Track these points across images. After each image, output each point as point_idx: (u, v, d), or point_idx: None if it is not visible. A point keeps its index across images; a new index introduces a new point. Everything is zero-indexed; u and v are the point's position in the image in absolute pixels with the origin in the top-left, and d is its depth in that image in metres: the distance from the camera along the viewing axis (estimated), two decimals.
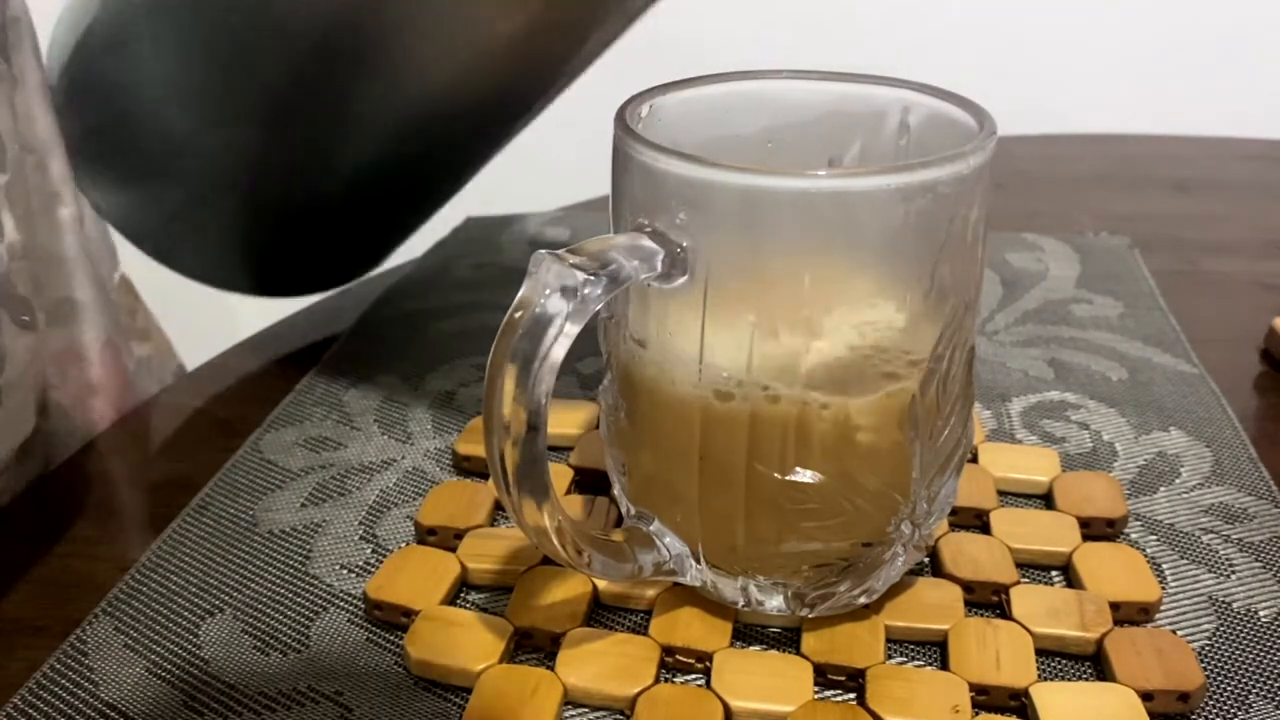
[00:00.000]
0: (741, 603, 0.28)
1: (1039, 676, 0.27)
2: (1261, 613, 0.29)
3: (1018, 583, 0.30)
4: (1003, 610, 0.29)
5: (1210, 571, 0.31)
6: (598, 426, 0.36)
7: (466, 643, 0.28)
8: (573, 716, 0.27)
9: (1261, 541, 0.32)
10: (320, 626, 0.30)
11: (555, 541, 0.25)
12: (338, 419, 0.39)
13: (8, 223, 0.35)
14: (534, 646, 0.29)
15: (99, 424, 0.43)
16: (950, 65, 0.62)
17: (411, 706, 0.27)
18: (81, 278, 0.43)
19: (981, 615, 0.29)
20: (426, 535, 0.32)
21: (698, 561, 0.28)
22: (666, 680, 0.28)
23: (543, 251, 0.23)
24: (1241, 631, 0.29)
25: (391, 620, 0.29)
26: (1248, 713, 0.26)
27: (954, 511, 0.32)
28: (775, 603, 0.28)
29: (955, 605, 0.29)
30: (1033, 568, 0.31)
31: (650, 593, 0.29)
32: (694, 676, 0.28)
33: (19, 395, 0.35)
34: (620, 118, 0.26)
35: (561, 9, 0.35)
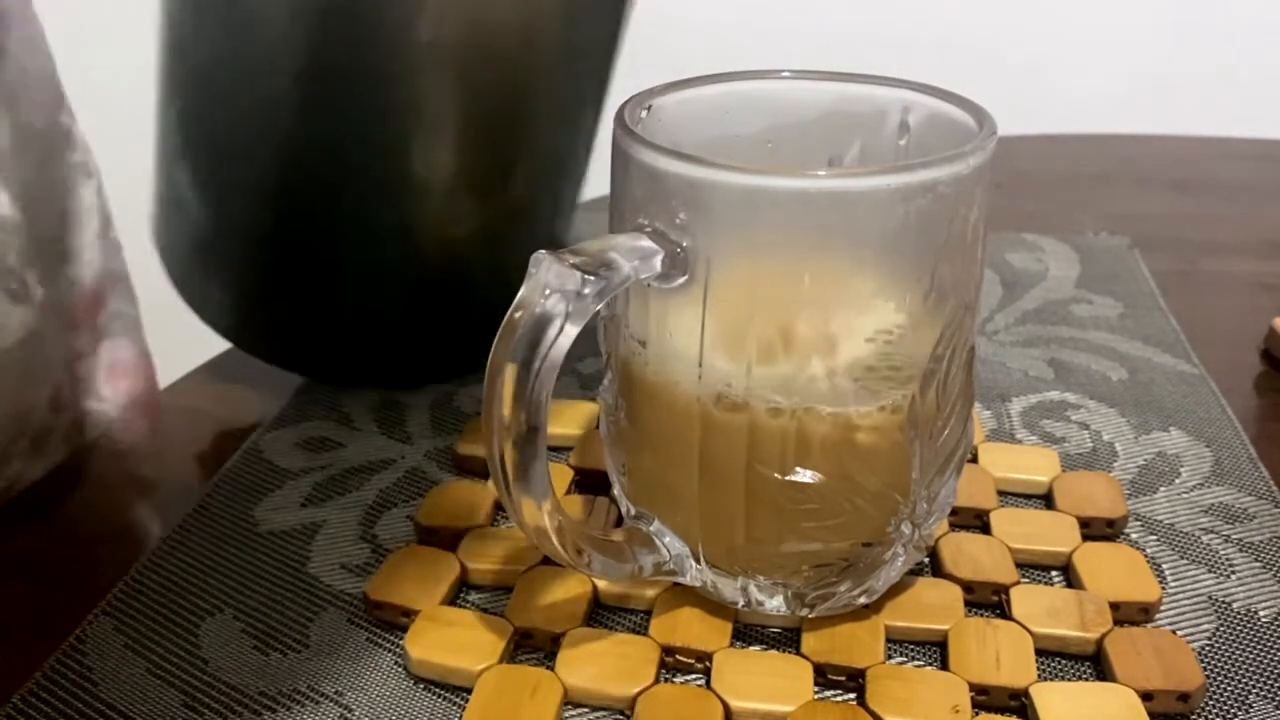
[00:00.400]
0: (741, 603, 0.28)
1: (1039, 676, 0.27)
2: (1261, 613, 0.29)
3: (1018, 583, 0.30)
4: (1003, 610, 0.29)
5: (1210, 571, 0.31)
6: (598, 426, 0.36)
7: (466, 643, 0.28)
8: (573, 716, 0.27)
9: (1261, 541, 0.32)
10: (320, 626, 0.30)
11: (555, 541, 0.25)
12: (337, 419, 0.39)
13: (2, 197, 0.35)
14: (534, 646, 0.29)
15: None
16: (950, 65, 0.62)
17: (411, 706, 0.27)
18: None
19: (981, 615, 0.29)
20: (426, 535, 0.32)
21: (698, 562, 0.28)
22: (666, 680, 0.28)
23: (542, 251, 0.23)
24: (1241, 632, 0.29)
25: (391, 620, 0.29)
26: (1248, 713, 0.26)
27: (954, 511, 0.32)
28: (775, 603, 0.28)
29: (955, 605, 0.29)
30: (1033, 568, 0.31)
31: (650, 593, 0.29)
32: (694, 676, 0.28)
33: (7, 365, 0.35)
34: (620, 118, 0.26)
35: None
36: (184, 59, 0.36)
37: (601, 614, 0.30)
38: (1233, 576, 0.31)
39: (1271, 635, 0.29)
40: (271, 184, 0.36)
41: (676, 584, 0.29)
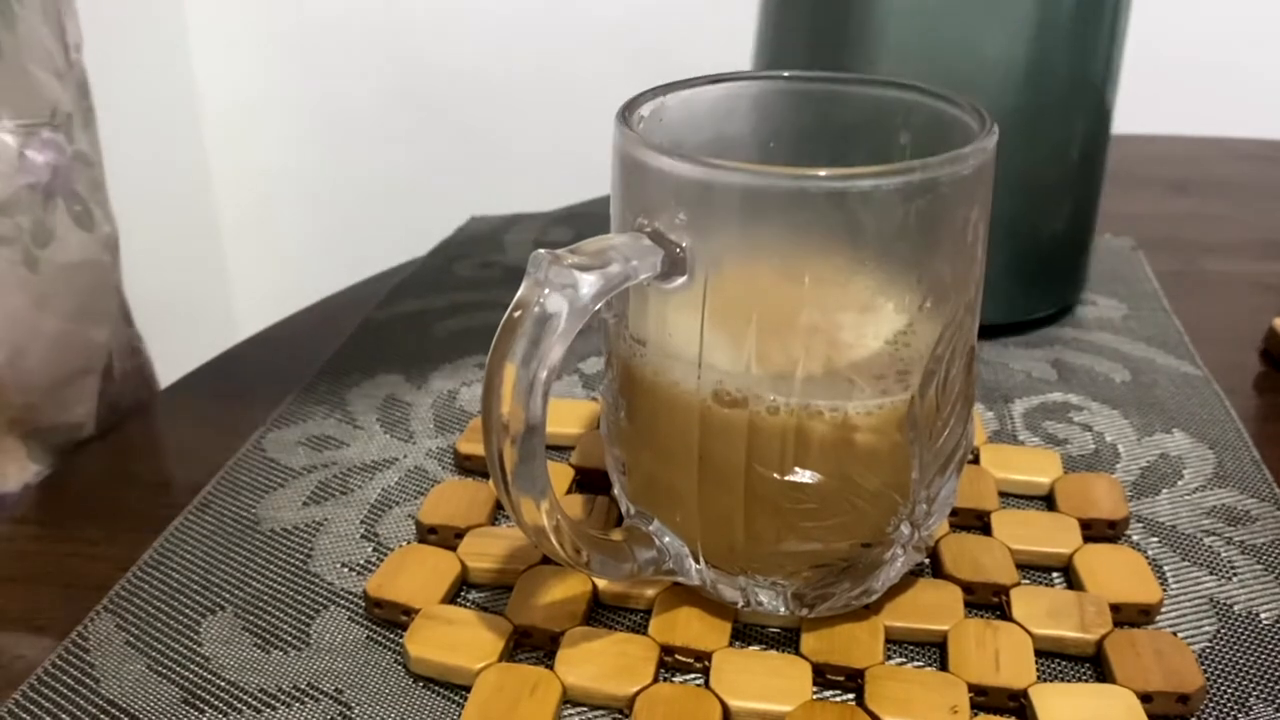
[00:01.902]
0: (741, 603, 0.28)
1: (1038, 678, 0.27)
2: (1263, 615, 0.29)
3: (1018, 584, 0.30)
4: (1003, 611, 0.29)
5: (1212, 574, 0.31)
6: (598, 426, 0.36)
7: (466, 641, 0.28)
8: (571, 715, 0.27)
9: (1263, 544, 0.32)
10: (321, 624, 0.30)
11: (554, 541, 0.25)
12: (340, 418, 0.39)
13: (80, 138, 0.36)
14: (533, 645, 0.29)
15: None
16: None
17: (411, 705, 0.27)
18: None
19: (981, 616, 0.29)
20: (427, 534, 0.32)
21: (697, 561, 0.28)
22: (665, 680, 0.28)
23: (542, 251, 0.23)
24: (1242, 634, 0.29)
25: (391, 618, 0.29)
26: (1248, 715, 0.26)
27: (955, 512, 0.32)
28: (775, 603, 0.28)
29: (955, 606, 0.29)
30: (1033, 569, 0.31)
31: (650, 592, 0.29)
32: (693, 676, 0.28)
33: (64, 281, 0.35)
34: (621, 118, 0.26)
35: None
36: None
37: (601, 613, 0.30)
38: (1234, 579, 0.31)
39: (1273, 638, 0.29)
40: None
41: (676, 583, 0.29)
